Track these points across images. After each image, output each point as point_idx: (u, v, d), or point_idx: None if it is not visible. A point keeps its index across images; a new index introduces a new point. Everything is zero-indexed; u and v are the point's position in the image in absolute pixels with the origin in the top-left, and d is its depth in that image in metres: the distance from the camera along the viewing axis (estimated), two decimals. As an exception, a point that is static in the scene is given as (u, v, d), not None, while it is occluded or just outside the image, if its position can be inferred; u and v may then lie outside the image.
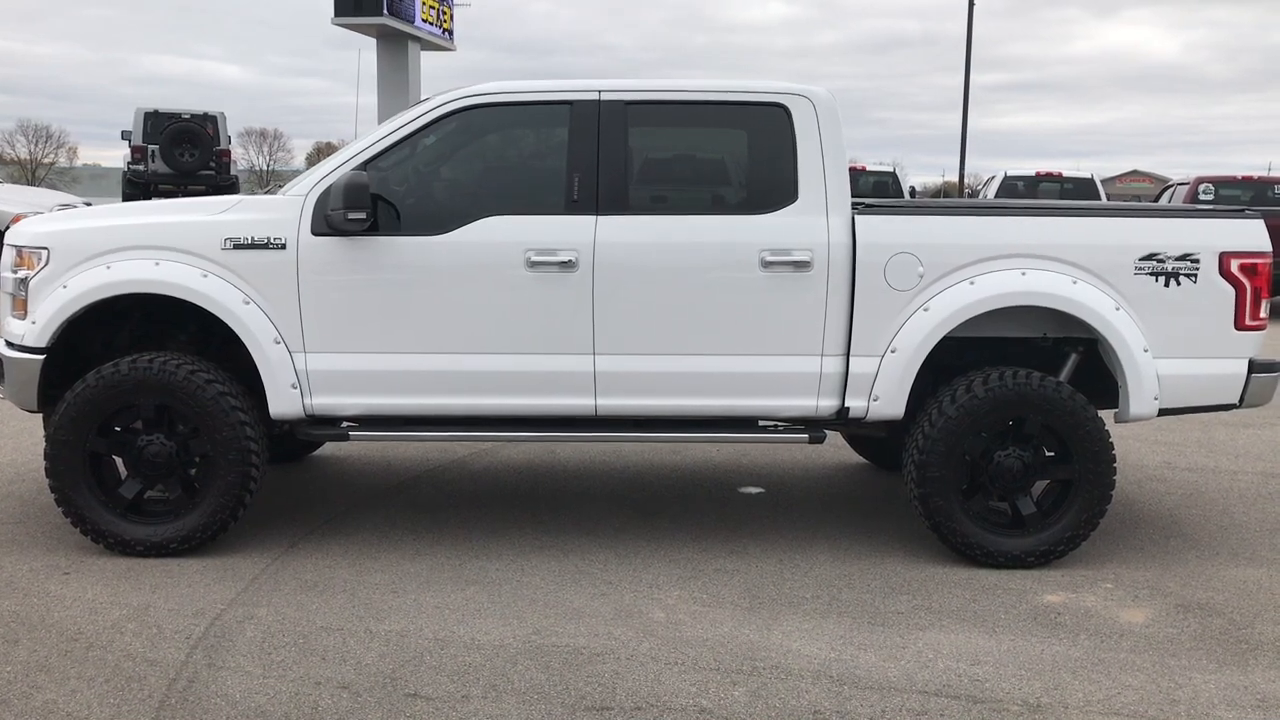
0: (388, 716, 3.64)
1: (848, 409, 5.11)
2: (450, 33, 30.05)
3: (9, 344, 5.17)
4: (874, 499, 6.28)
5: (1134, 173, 78.54)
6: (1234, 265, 5.06)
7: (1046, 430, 5.06)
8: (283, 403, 5.05)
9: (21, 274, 5.12)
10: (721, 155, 5.62)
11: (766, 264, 4.97)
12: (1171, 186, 20.33)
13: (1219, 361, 5.14)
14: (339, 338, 5.01)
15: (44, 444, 5.06)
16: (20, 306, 5.14)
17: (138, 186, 24.70)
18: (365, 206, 4.81)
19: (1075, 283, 5.01)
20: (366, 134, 5.26)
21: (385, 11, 25.73)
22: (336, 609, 4.50)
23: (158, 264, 4.98)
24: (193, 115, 25.29)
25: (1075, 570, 5.08)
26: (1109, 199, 24.30)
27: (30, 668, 3.93)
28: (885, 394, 5.05)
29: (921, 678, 3.97)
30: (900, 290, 5.00)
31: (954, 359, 5.20)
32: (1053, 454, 5.12)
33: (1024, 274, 5.00)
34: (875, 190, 19.76)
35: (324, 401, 5.08)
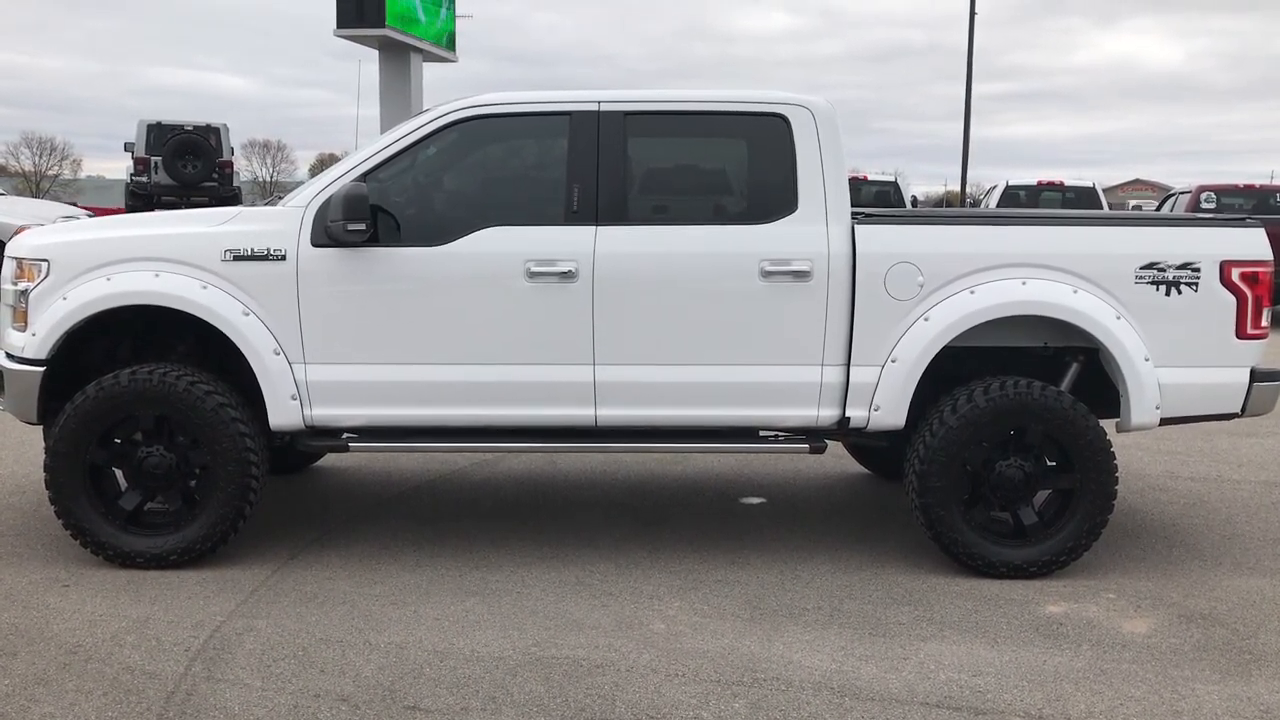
0: (387, 729, 3.63)
1: (849, 419, 5.10)
2: (452, 44, 30.09)
3: (9, 356, 5.17)
4: (875, 509, 6.27)
5: (1136, 181, 78.59)
6: (1235, 274, 5.05)
7: (1048, 440, 5.04)
8: (283, 414, 5.05)
9: (22, 286, 5.13)
10: (721, 165, 5.62)
11: (766, 274, 4.96)
12: (1173, 195, 20.33)
13: (1221, 370, 5.13)
14: (339, 349, 5.01)
15: (44, 456, 5.06)
16: (20, 318, 5.14)
17: (141, 198, 24.73)
18: (365, 218, 4.81)
19: (1076, 292, 5.00)
20: (367, 145, 5.26)
21: (387, 23, 25.77)
22: (336, 621, 4.49)
23: (158, 275, 4.98)
24: (195, 127, 25.33)
25: (1077, 580, 5.06)
26: (1111, 208, 24.30)
27: (29, 680, 3.92)
28: (886, 404, 5.04)
29: (923, 689, 3.95)
30: (901, 300, 4.99)
31: (955, 368, 5.19)
32: (1054, 463, 5.11)
33: (1024, 283, 5.00)
34: (877, 200, 19.77)
35: (324, 413, 5.07)
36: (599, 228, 4.99)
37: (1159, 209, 20.48)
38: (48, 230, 5.39)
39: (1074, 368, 5.28)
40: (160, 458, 5.02)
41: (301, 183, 5.54)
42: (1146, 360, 5.03)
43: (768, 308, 4.99)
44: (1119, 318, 5.02)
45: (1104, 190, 20.83)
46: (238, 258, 4.97)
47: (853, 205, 5.17)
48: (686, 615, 4.61)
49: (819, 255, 4.98)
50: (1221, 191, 18.37)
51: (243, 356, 5.02)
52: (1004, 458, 5.06)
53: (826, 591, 4.91)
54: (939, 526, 5.04)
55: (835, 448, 6.72)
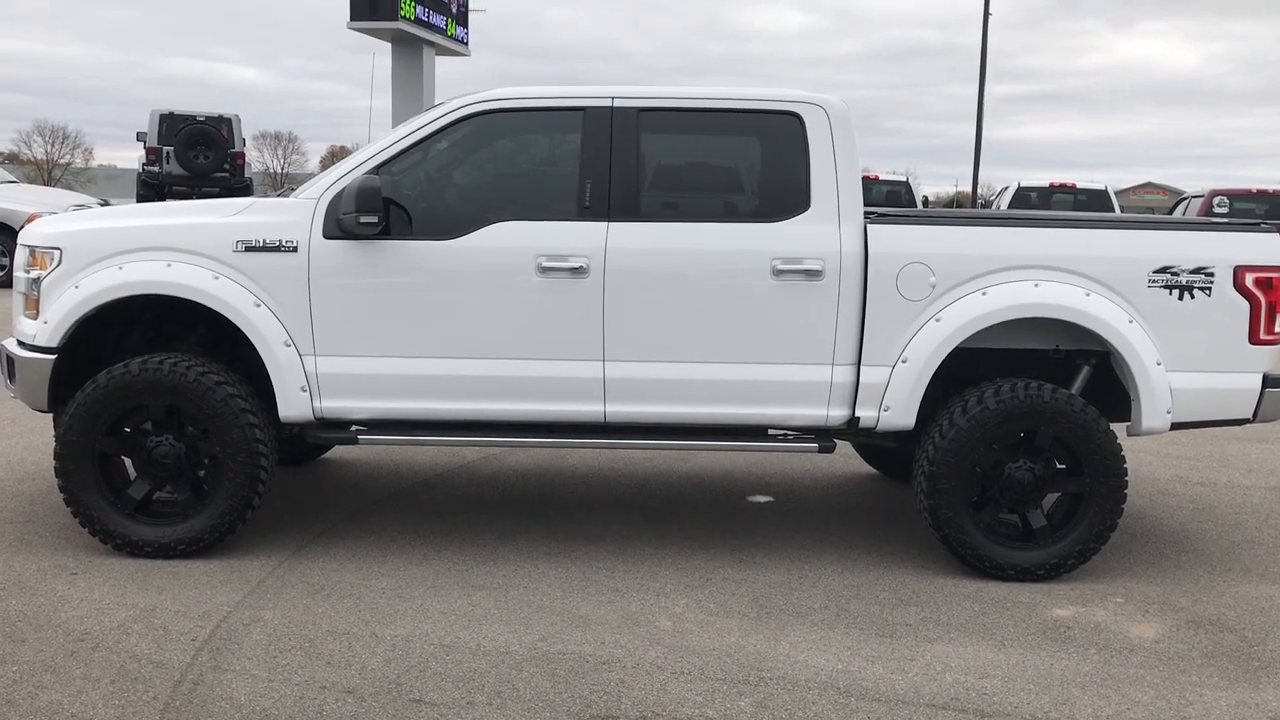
0: (392, 722, 3.63)
1: (858, 419, 5.09)
2: (465, 38, 30.11)
3: (20, 343, 5.19)
4: (883, 510, 6.26)
5: (1148, 185, 78.31)
6: (1249, 279, 5.03)
7: (1058, 443, 5.03)
8: (292, 405, 5.05)
9: (34, 274, 5.14)
10: (734, 163, 5.61)
11: (778, 272, 4.95)
12: (1186, 199, 20.26)
13: (1232, 376, 5.11)
14: (349, 341, 5.01)
15: (54, 444, 5.07)
16: (32, 306, 5.15)
17: (152, 188, 24.78)
18: (377, 210, 4.81)
19: (1088, 295, 4.98)
20: (380, 138, 5.26)
21: (399, 15, 25.80)
22: (343, 613, 4.49)
23: (169, 265, 4.99)
24: (207, 117, 25.37)
25: (1085, 584, 5.05)
26: (1123, 211, 24.21)
27: (36, 667, 3.93)
28: (896, 404, 5.03)
29: (929, 690, 3.94)
30: (912, 300, 4.98)
31: (965, 370, 5.18)
32: (1064, 467, 5.09)
33: (1037, 285, 4.98)
34: (888, 200, 19.71)
35: (333, 405, 5.08)
36: (611, 224, 4.99)
37: (1171, 213, 20.42)
38: (60, 219, 5.40)
39: (1085, 371, 5.26)
40: (169, 447, 5.03)
41: (312, 175, 5.55)
42: (1158, 364, 5.01)
43: (779, 306, 4.98)
44: (1131, 321, 5.00)
45: (1116, 193, 20.76)
46: (249, 249, 4.98)
47: (864, 205, 5.15)
48: (693, 613, 4.61)
49: (831, 254, 4.97)
50: (1234, 196, 18.29)
51: (253, 347, 5.02)
52: (1013, 460, 5.04)
53: (833, 591, 4.90)
54: (947, 528, 5.03)
55: (844, 447, 6.71)
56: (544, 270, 4.95)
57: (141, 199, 24.33)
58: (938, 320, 4.98)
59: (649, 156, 5.21)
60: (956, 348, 5.01)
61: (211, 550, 5.09)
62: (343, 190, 4.92)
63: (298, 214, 5.02)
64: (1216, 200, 18.07)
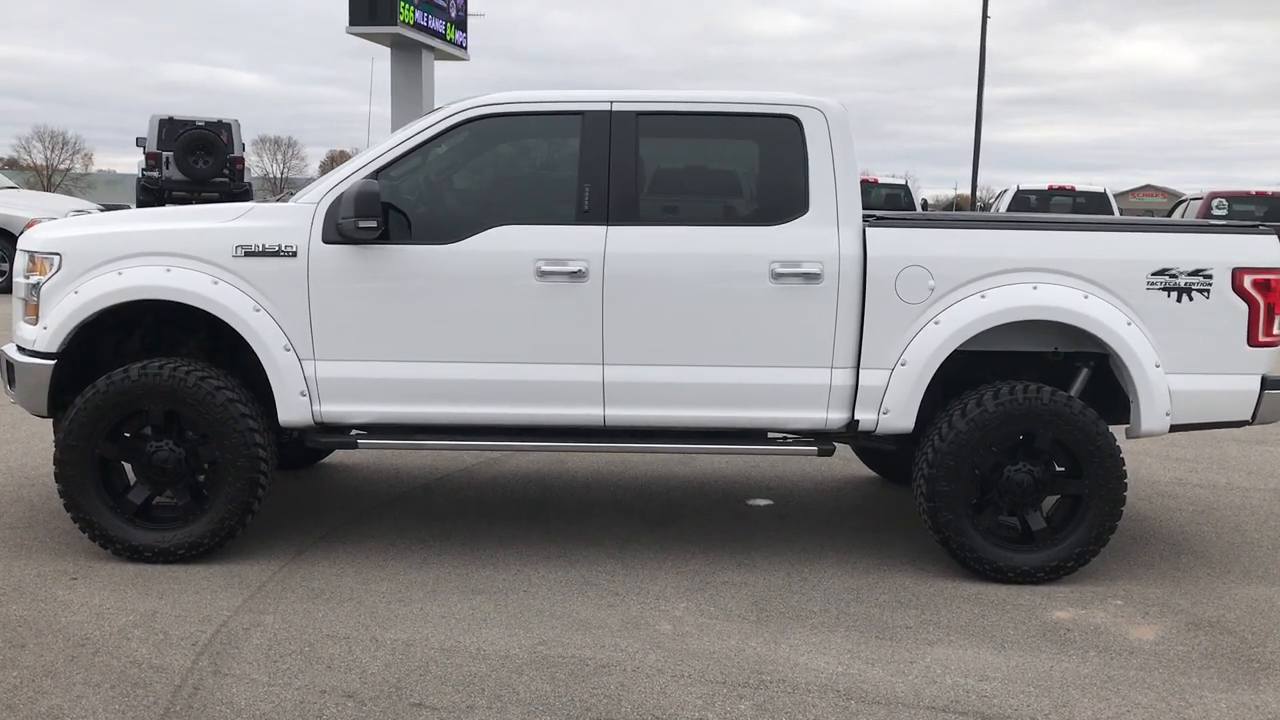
0: (392, 726, 3.63)
1: (857, 422, 5.09)
2: (464, 42, 30.14)
3: (20, 349, 5.19)
4: (883, 513, 6.26)
5: (1147, 187, 78.32)
6: (1247, 281, 5.04)
7: (1057, 445, 5.03)
8: (292, 410, 5.06)
9: (34, 279, 5.14)
10: (733, 167, 5.62)
11: (777, 275, 4.96)
12: (1185, 201, 20.28)
13: (1232, 378, 5.12)
14: (349, 346, 5.02)
15: (53, 449, 5.07)
16: (32, 311, 5.15)
17: (152, 193, 24.78)
18: (376, 215, 4.82)
19: (1087, 297, 4.99)
20: (379, 143, 5.27)
21: (398, 20, 25.82)
22: (343, 617, 4.49)
23: (169, 270, 5.00)
24: (207, 123, 25.37)
25: (1085, 586, 5.05)
26: (1122, 213, 24.22)
27: (36, 673, 3.93)
28: (895, 407, 5.03)
29: (929, 693, 3.94)
30: (911, 303, 4.99)
31: (965, 373, 5.18)
32: (1063, 469, 5.09)
33: (1035, 288, 4.98)
34: (888, 203, 19.76)
35: (333, 409, 5.08)
36: (610, 228, 4.99)
37: (1170, 215, 20.44)
38: (59, 224, 5.41)
39: (1084, 373, 5.27)
40: (169, 452, 5.03)
41: (312, 180, 5.55)
42: (1157, 366, 5.01)
43: (778, 310, 4.98)
44: (1130, 323, 5.00)
45: (1115, 195, 20.77)
46: (249, 254, 4.98)
47: (863, 208, 5.16)
48: (693, 616, 4.61)
49: (830, 258, 4.97)
50: (1233, 198, 18.32)
51: (253, 352, 5.03)
52: (1013, 463, 5.05)
53: (833, 594, 4.90)
54: (947, 531, 5.03)
55: (843, 450, 6.71)
56: (543, 274, 4.95)
57: (141, 204, 24.33)
58: (936, 323, 4.99)
59: (647, 160, 5.22)
60: (956, 350, 5.01)
61: (211, 555, 5.09)
62: (342, 195, 4.93)
63: (297, 219, 5.02)
64: (1215, 202, 18.08)
